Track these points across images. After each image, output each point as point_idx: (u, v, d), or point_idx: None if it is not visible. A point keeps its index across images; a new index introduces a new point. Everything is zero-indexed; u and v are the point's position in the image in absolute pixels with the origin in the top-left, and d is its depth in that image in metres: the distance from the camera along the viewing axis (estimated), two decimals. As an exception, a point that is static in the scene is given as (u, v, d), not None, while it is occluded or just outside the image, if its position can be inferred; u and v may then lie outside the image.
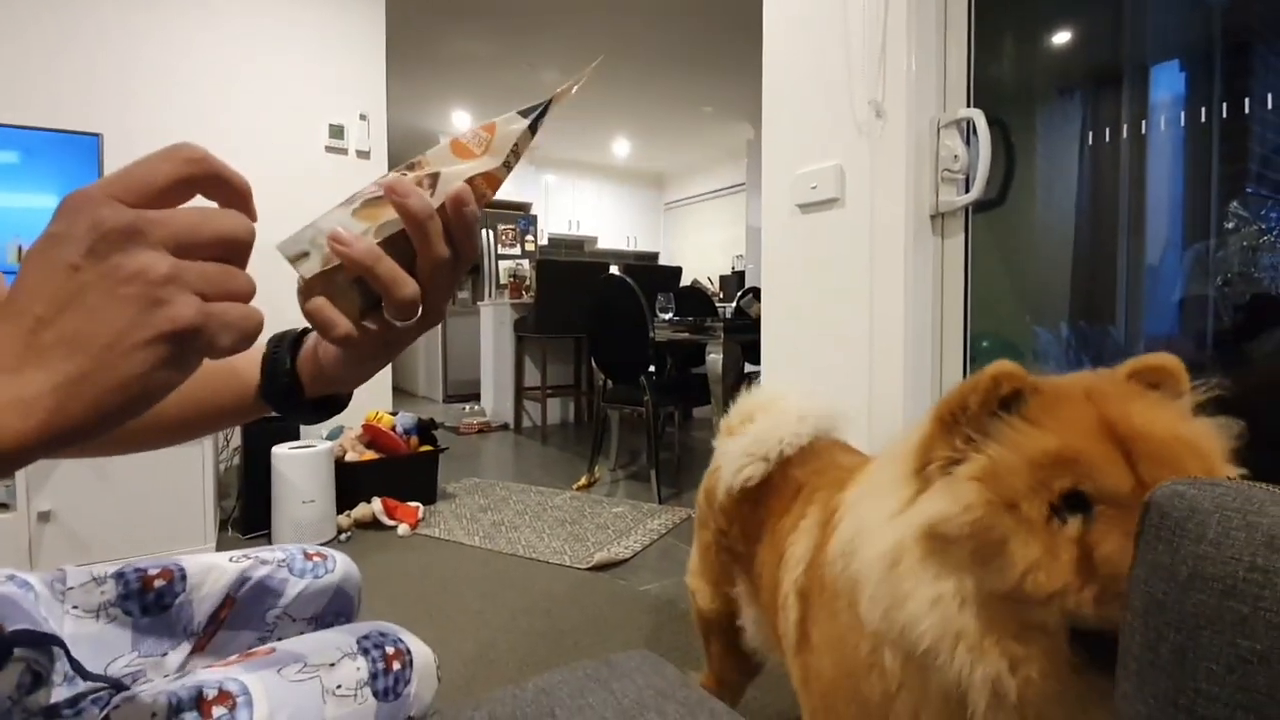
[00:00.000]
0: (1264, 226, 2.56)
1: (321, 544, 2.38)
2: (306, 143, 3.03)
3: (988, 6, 1.31)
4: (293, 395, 0.47)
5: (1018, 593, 0.50)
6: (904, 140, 1.29)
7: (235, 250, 0.30)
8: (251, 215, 0.32)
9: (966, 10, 1.27)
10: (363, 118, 3.16)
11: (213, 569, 0.71)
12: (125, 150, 2.42)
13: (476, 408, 5.08)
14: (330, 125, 3.07)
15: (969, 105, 1.27)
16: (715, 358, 2.86)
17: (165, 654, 0.65)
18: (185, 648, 0.66)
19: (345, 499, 2.57)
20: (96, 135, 2.31)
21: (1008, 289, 1.75)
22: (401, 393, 6.59)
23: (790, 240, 1.57)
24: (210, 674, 0.54)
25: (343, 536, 2.47)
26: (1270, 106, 2.07)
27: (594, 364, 3.43)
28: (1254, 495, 0.34)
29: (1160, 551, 0.36)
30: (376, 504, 2.62)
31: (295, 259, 0.37)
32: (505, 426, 4.86)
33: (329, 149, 3.08)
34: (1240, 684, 0.31)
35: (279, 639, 0.70)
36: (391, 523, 2.59)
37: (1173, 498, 0.36)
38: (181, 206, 0.29)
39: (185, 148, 0.30)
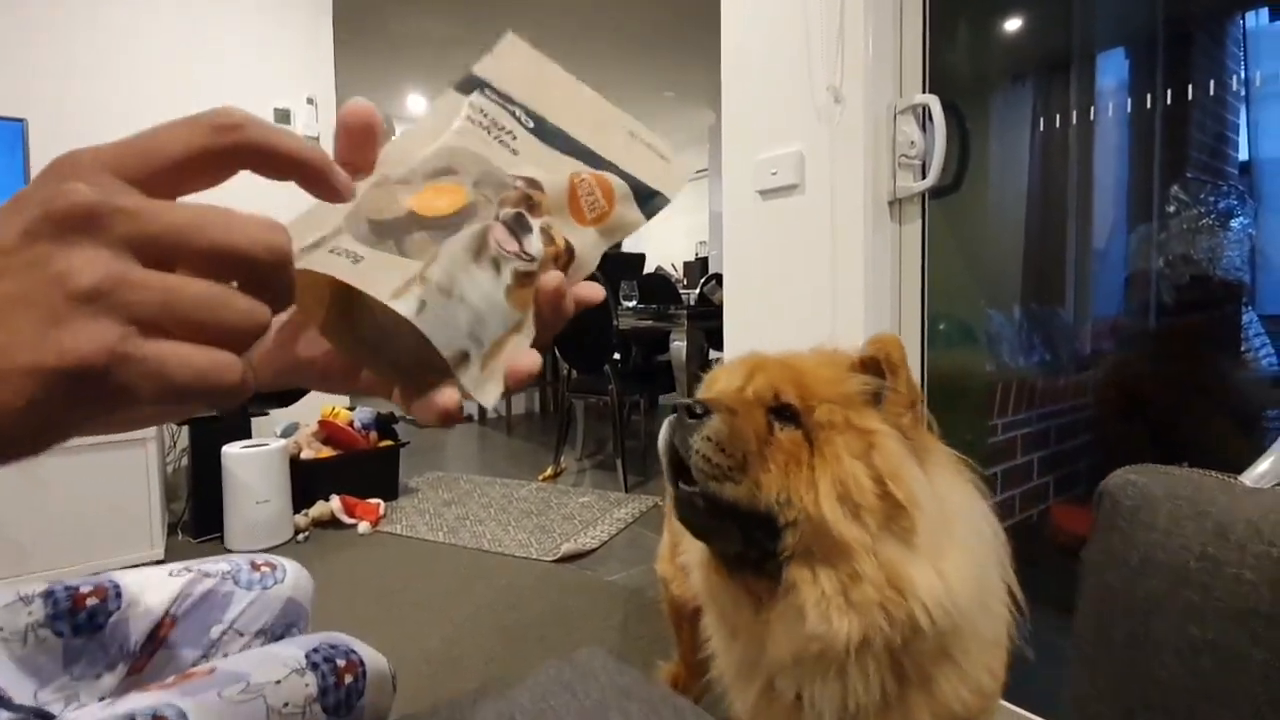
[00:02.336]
0: (1203, 210, 2.66)
1: (279, 545, 2.32)
2: (252, 128, 2.90)
3: (942, -8, 1.31)
4: None
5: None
6: (862, 126, 1.29)
7: (245, 269, 0.21)
8: (332, 194, 0.25)
9: (921, -5, 1.28)
10: (310, 102, 3.04)
11: (150, 585, 0.67)
12: (53, 138, 2.28)
13: (439, 400, 5.00)
14: (275, 110, 2.95)
15: (924, 91, 1.28)
16: (679, 345, 2.86)
17: (99, 676, 0.61)
18: (121, 669, 0.62)
19: (302, 498, 2.50)
20: (20, 121, 2.17)
21: (963, 272, 1.78)
22: (361, 386, 6.44)
23: (751, 227, 1.57)
24: (145, 699, 0.51)
25: (301, 537, 2.40)
26: (1210, 94, 2.14)
27: (557, 353, 3.40)
28: (1204, 484, 0.34)
29: (1114, 540, 0.36)
30: (335, 502, 2.55)
31: (456, 361, 0.26)
32: (469, 418, 4.79)
33: (276, 135, 2.95)
34: (1191, 669, 0.32)
35: (225, 656, 0.66)
36: (351, 521, 2.53)
37: (1125, 486, 0.37)
38: (248, 215, 0.22)
39: (218, 113, 0.23)
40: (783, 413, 0.60)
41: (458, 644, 1.69)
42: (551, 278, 0.29)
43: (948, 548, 0.55)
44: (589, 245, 0.31)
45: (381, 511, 2.62)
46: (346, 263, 0.25)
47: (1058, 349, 2.34)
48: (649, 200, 0.33)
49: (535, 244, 0.29)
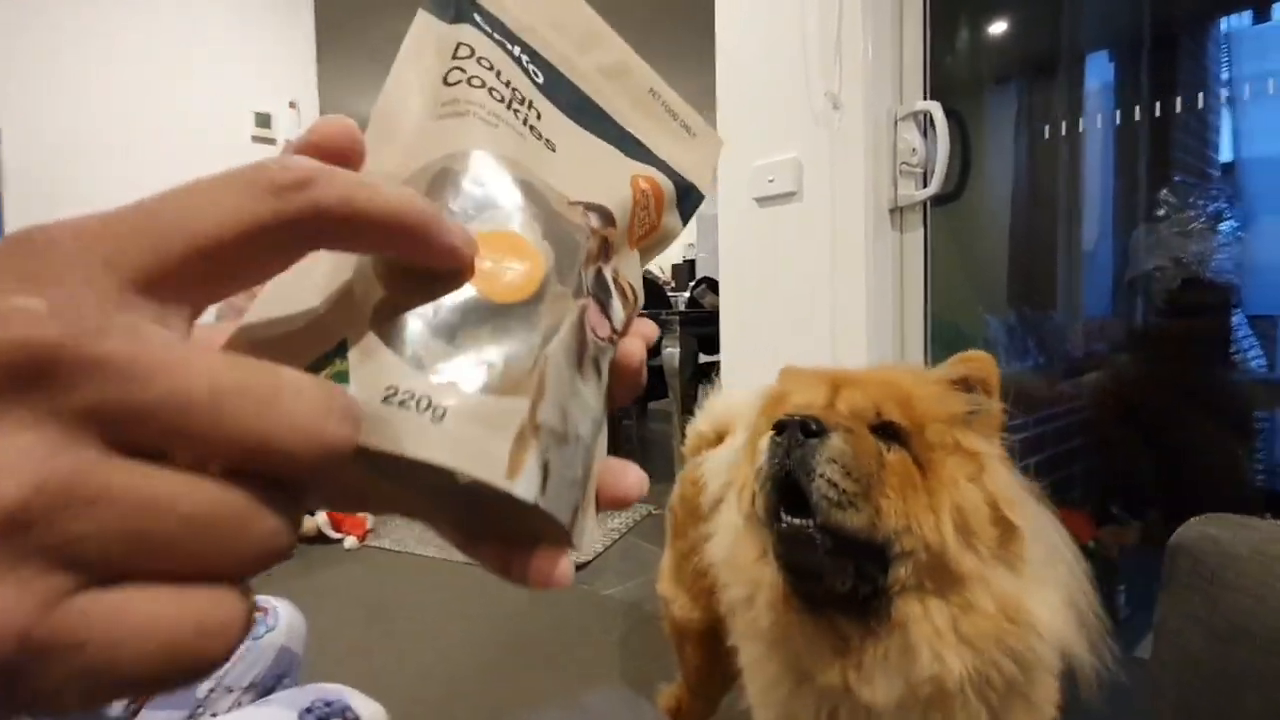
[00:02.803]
0: (1193, 214, 2.67)
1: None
2: (231, 134, 2.83)
3: (940, -4, 1.29)
4: None
5: (749, 516, 0.57)
6: (862, 133, 1.26)
7: (278, 468, 0.14)
8: (446, 258, 0.16)
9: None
10: (292, 105, 2.98)
11: None
12: (26, 149, 2.21)
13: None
14: (256, 114, 2.88)
15: (925, 97, 1.26)
16: (672, 352, 2.83)
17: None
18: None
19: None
20: (-11, 129, 2.10)
21: (959, 277, 1.76)
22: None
23: (748, 234, 1.54)
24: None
25: (287, 552, 2.33)
26: (1196, 96, 2.14)
27: (548, 360, 3.35)
28: (1298, 543, 0.31)
29: (1195, 602, 0.33)
30: (321, 515, 2.49)
31: (572, 523, 0.18)
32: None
33: (255, 139, 2.89)
34: (1296, 757, 0.29)
35: (213, 716, 0.62)
36: (338, 535, 2.47)
37: (1201, 541, 0.34)
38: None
39: (278, 165, 0.15)
40: (886, 432, 0.55)
41: (454, 666, 1.64)
42: (634, 351, 0.22)
43: (1052, 577, 0.52)
44: (636, 275, 0.24)
45: (369, 525, 2.56)
46: (426, 422, 0.15)
47: (1051, 353, 2.34)
48: (687, 197, 0.25)
49: (618, 312, 0.21)
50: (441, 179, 0.19)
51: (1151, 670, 0.34)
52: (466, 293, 0.17)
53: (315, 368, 0.16)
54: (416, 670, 1.61)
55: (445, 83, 0.20)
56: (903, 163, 1.27)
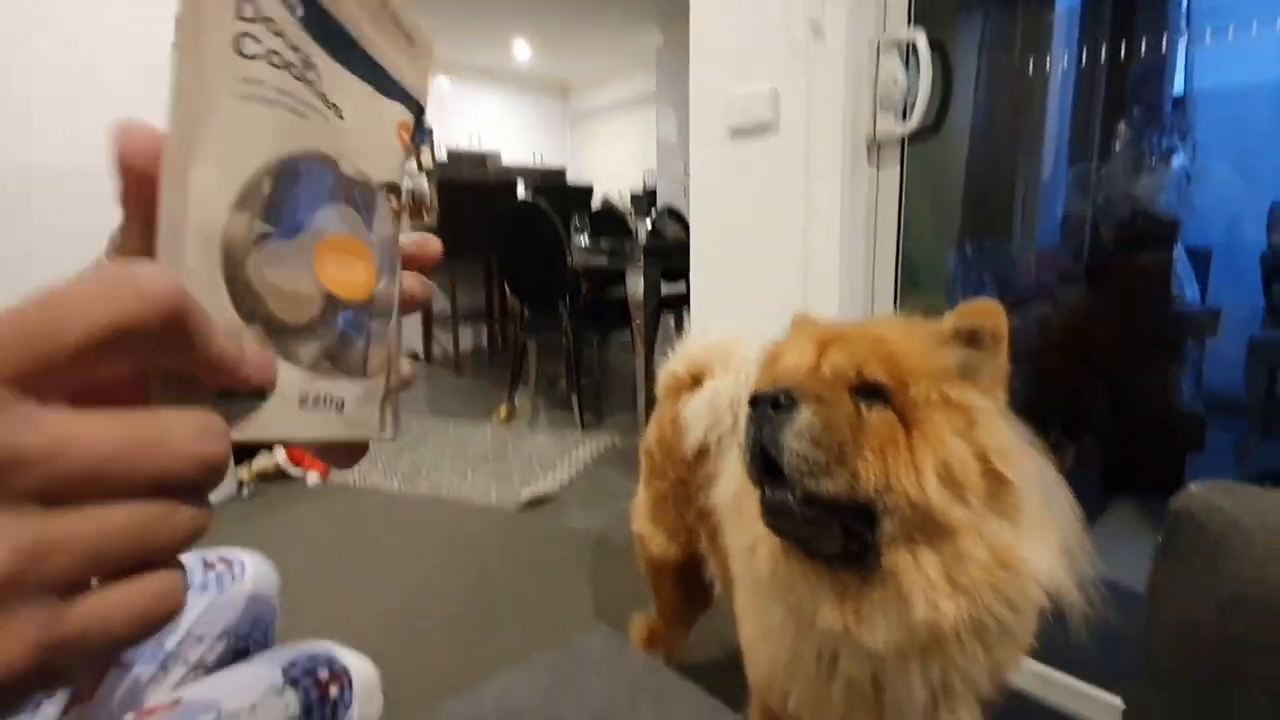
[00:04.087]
0: (1146, 147, 2.71)
1: (221, 502, 2.21)
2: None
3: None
4: None
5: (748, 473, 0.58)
6: (842, 62, 1.21)
7: (181, 489, 0.18)
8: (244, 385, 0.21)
9: (908, -84, 1.18)
10: None
11: None
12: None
13: (381, 339, 4.80)
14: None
15: (910, 24, 1.21)
16: (636, 283, 2.79)
17: (38, 706, 0.55)
18: (61, 697, 0.56)
19: (242, 450, 2.37)
20: None
21: (925, 209, 1.75)
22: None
23: (721, 166, 1.49)
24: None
25: (244, 492, 2.29)
26: (1158, 34, 2.14)
27: (508, 292, 3.28)
28: (1305, 515, 0.32)
29: (1197, 569, 0.34)
30: (280, 453, 2.43)
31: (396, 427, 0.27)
32: (415, 356, 4.64)
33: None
34: (1290, 717, 0.30)
35: (186, 664, 0.61)
36: (299, 472, 2.43)
37: (1207, 510, 0.34)
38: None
39: (143, 276, 0.17)
40: (870, 391, 0.55)
41: (423, 605, 1.65)
42: (417, 290, 0.27)
43: (1049, 524, 0.53)
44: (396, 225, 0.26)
45: (330, 462, 2.52)
46: (335, 418, 0.23)
47: (1004, 285, 2.40)
48: (420, 121, 0.27)
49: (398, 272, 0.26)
50: (272, 200, 0.21)
51: (1149, 636, 0.36)
52: (318, 295, 0.22)
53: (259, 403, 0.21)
54: (385, 612, 1.61)
55: (240, 53, 0.20)
56: (883, 95, 1.23)
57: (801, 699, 0.63)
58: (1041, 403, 2.37)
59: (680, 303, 3.20)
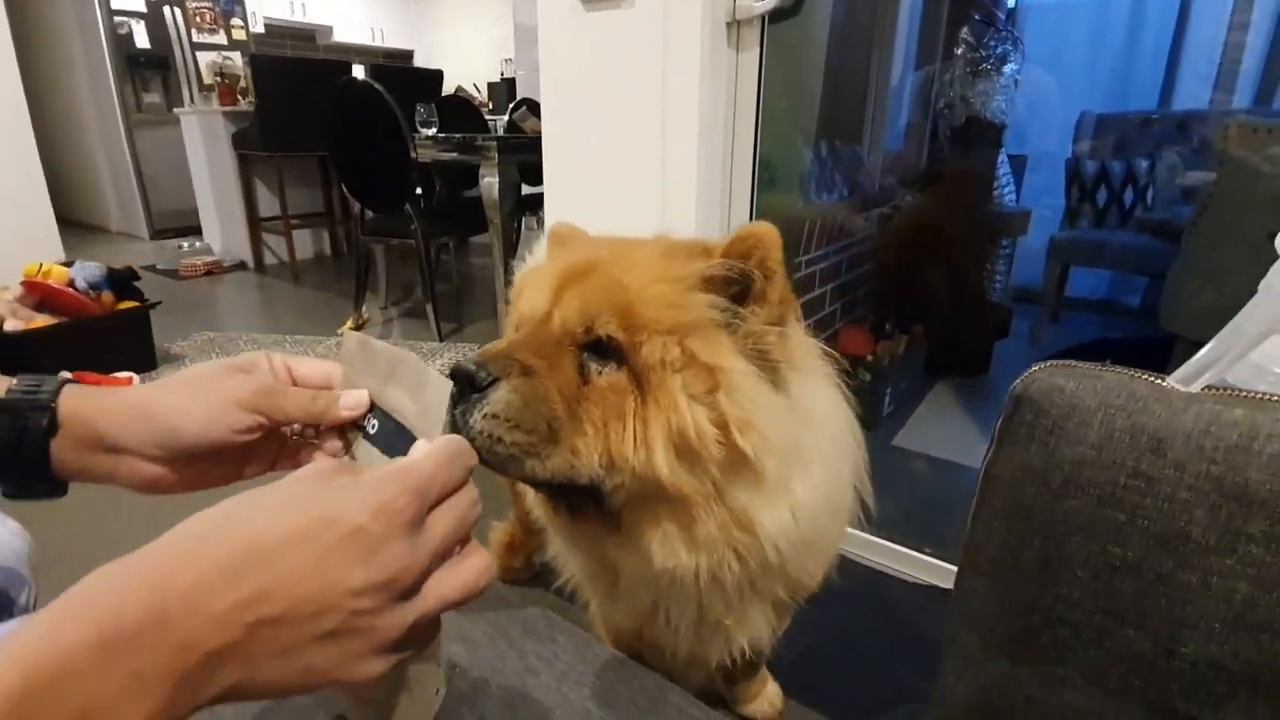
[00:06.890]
0: (984, 54, 2.83)
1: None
2: None
3: None
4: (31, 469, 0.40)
5: None
6: (700, -76, 1.10)
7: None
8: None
9: None
10: None
11: None
12: None
13: (199, 244, 4.18)
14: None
15: (771, -116, 1.10)
16: (491, 181, 2.58)
17: None
18: None
19: (19, 378, 1.99)
20: None
21: (781, 106, 1.71)
22: (86, 229, 5.17)
23: (572, 44, 1.35)
24: None
25: (28, 425, 1.94)
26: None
27: (345, 191, 2.92)
28: (1138, 390, 0.30)
29: (1032, 452, 0.33)
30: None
31: None
32: (242, 265, 4.11)
33: None
34: (1108, 590, 0.30)
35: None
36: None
37: (1050, 392, 0.33)
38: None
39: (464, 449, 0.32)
40: (601, 348, 0.49)
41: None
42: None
43: (804, 472, 0.52)
44: None
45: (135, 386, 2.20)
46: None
47: (854, 186, 2.47)
48: None
49: None
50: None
51: (975, 520, 0.35)
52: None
53: None
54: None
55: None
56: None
57: (601, 614, 0.66)
58: (881, 296, 2.54)
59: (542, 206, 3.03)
